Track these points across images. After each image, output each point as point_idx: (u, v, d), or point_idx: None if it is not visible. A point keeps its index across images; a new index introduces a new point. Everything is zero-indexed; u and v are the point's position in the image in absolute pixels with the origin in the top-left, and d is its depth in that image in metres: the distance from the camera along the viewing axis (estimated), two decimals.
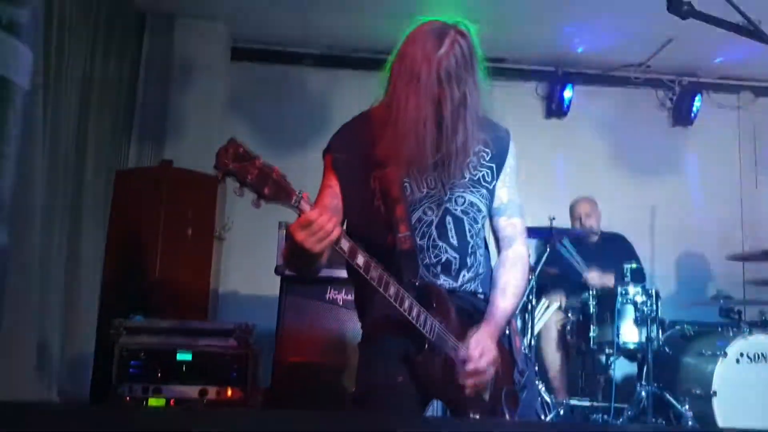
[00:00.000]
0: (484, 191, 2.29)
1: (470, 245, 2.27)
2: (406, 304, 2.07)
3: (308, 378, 4.06)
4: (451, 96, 2.04)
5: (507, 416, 2.23)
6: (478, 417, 2.18)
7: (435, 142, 2.09)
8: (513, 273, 2.31)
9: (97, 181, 4.65)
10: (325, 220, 1.88)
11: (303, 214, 1.89)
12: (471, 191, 2.27)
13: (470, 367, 2.10)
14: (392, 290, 2.05)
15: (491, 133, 2.29)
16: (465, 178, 2.26)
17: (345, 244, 1.97)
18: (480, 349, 2.12)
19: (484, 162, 2.30)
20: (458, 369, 2.12)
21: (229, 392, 3.89)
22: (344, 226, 2.26)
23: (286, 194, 1.86)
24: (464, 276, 2.28)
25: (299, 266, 2.19)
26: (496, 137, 2.32)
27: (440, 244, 2.24)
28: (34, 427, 0.98)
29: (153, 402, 3.84)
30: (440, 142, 2.10)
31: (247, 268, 5.73)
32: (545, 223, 4.77)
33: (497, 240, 2.37)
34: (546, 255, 4.76)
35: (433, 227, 2.23)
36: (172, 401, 3.87)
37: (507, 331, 2.33)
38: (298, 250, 1.91)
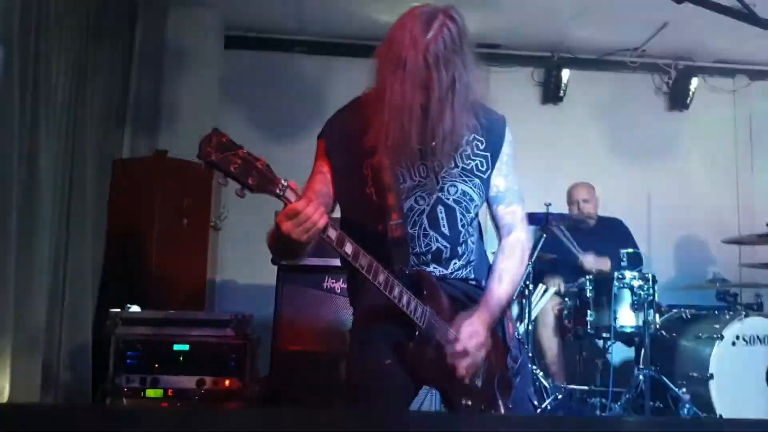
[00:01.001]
0: (477, 181, 2.27)
1: (461, 234, 2.26)
2: (396, 291, 2.07)
3: (306, 366, 4.06)
4: (439, 81, 2.01)
5: (500, 402, 2.23)
6: (470, 403, 2.19)
7: (421, 128, 2.07)
8: (510, 260, 2.31)
9: (92, 171, 4.63)
10: (311, 210, 1.86)
11: (289, 203, 1.87)
12: (464, 181, 2.26)
13: (459, 347, 2.10)
14: (381, 278, 2.04)
15: (485, 120, 2.26)
16: (457, 167, 2.24)
17: (332, 233, 1.95)
18: (470, 331, 2.12)
19: (477, 151, 2.28)
20: (447, 350, 2.12)
21: (227, 382, 3.89)
22: (333, 213, 2.26)
23: (271, 183, 1.84)
24: (455, 264, 2.28)
25: (285, 255, 2.18)
26: (490, 125, 2.29)
27: (431, 233, 2.23)
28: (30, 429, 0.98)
29: (150, 393, 3.84)
30: (426, 128, 2.08)
31: (243, 257, 5.72)
32: (542, 209, 4.78)
33: (497, 228, 2.36)
34: (543, 240, 4.76)
35: (425, 216, 2.23)
36: (170, 392, 3.87)
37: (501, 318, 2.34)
38: (285, 239, 1.90)
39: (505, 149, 2.32)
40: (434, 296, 2.18)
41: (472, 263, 2.33)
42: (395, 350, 2.15)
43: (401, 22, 2.09)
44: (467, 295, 2.29)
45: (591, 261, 5.02)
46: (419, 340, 2.13)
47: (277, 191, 1.85)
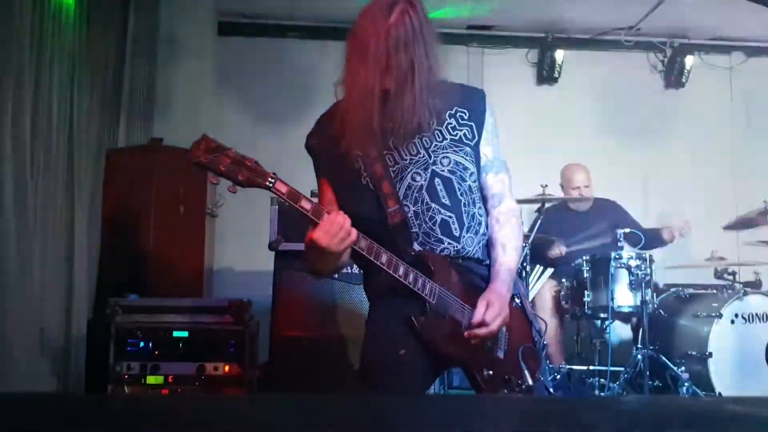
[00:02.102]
0: (467, 149, 2.31)
1: (462, 203, 2.28)
2: (401, 270, 2.13)
3: (305, 351, 4.06)
4: (398, 63, 2.09)
5: (526, 373, 2.27)
6: (491, 373, 2.22)
7: (382, 111, 2.13)
8: (508, 229, 2.34)
9: (88, 161, 4.62)
10: (341, 219, 2.02)
11: (280, 195, 2.00)
12: (454, 151, 2.29)
13: (475, 320, 2.16)
14: (384, 258, 2.11)
15: (465, 94, 2.35)
16: (446, 139, 2.28)
17: (363, 243, 2.06)
18: (485, 304, 2.17)
19: (462, 121, 2.32)
20: (464, 325, 2.18)
21: (227, 368, 3.91)
22: None
23: (260, 177, 1.98)
24: (466, 238, 2.28)
25: (322, 269, 2.26)
26: (471, 97, 2.37)
27: (433, 206, 2.25)
28: (29, 419, 0.98)
29: (151, 380, 3.87)
30: (387, 111, 2.14)
31: (240, 244, 5.73)
32: (538, 190, 4.77)
33: (486, 198, 2.38)
34: (539, 222, 4.75)
35: (424, 191, 2.25)
36: (170, 378, 3.89)
37: (518, 299, 2.37)
38: (322, 252, 2.05)
39: (489, 118, 2.37)
40: (443, 274, 2.21)
41: (485, 238, 2.34)
42: (407, 324, 2.17)
43: (364, 10, 2.17)
44: (481, 276, 2.32)
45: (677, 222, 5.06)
46: (431, 314, 2.17)
47: (267, 183, 1.98)
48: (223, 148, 1.94)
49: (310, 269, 2.27)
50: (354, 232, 2.04)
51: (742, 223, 5.06)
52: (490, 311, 2.16)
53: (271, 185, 1.98)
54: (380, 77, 2.08)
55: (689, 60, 6.48)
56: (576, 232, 5.10)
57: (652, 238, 5.07)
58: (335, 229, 2.01)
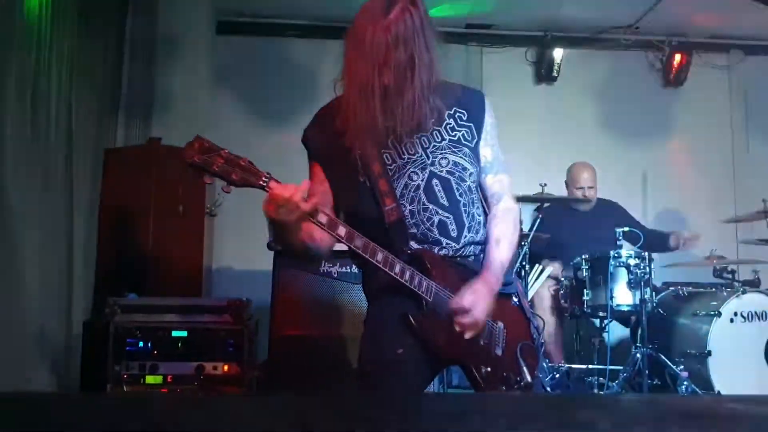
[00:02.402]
0: (466, 150, 2.30)
1: (461, 203, 2.28)
2: (397, 268, 2.12)
3: (304, 351, 4.07)
4: (397, 59, 2.06)
5: (524, 370, 2.27)
6: (489, 370, 2.22)
7: (383, 107, 2.10)
8: (504, 225, 2.33)
9: (87, 161, 4.62)
10: (288, 192, 1.96)
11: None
12: (453, 151, 2.29)
13: (456, 305, 2.13)
14: (380, 256, 2.10)
15: (464, 94, 2.34)
16: (444, 139, 2.28)
17: (323, 218, 2.03)
18: (469, 291, 2.15)
19: (461, 122, 2.32)
20: (449, 310, 2.15)
21: (226, 368, 3.91)
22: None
23: (254, 177, 1.97)
24: (466, 237, 2.28)
25: (283, 239, 2.17)
26: (469, 98, 2.36)
27: (430, 206, 2.25)
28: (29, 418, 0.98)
29: (150, 379, 3.87)
30: (388, 107, 2.12)
31: (239, 243, 5.73)
32: (536, 190, 4.76)
33: (486, 198, 2.39)
34: (538, 221, 4.75)
35: (421, 191, 2.25)
36: (169, 378, 3.89)
37: (516, 298, 2.38)
38: (273, 222, 2.02)
39: (488, 119, 2.36)
40: (440, 272, 2.21)
41: (483, 237, 2.34)
42: (405, 323, 2.17)
43: (363, 8, 2.16)
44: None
45: (683, 234, 5.10)
46: (428, 312, 2.16)
47: (261, 183, 1.97)
48: (216, 148, 1.95)
49: (274, 240, 2.21)
50: (303, 204, 1.97)
51: (742, 220, 5.07)
52: (472, 297, 2.13)
53: (264, 184, 1.98)
54: (379, 72, 2.06)
55: (688, 58, 6.47)
56: (576, 232, 5.10)
57: (658, 242, 5.08)
58: (281, 201, 1.95)
